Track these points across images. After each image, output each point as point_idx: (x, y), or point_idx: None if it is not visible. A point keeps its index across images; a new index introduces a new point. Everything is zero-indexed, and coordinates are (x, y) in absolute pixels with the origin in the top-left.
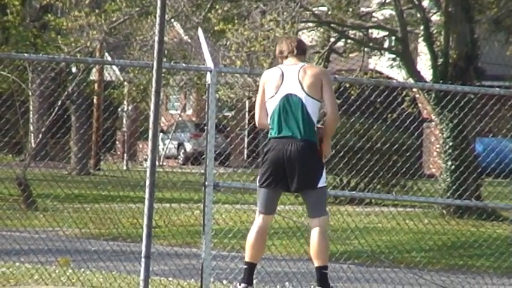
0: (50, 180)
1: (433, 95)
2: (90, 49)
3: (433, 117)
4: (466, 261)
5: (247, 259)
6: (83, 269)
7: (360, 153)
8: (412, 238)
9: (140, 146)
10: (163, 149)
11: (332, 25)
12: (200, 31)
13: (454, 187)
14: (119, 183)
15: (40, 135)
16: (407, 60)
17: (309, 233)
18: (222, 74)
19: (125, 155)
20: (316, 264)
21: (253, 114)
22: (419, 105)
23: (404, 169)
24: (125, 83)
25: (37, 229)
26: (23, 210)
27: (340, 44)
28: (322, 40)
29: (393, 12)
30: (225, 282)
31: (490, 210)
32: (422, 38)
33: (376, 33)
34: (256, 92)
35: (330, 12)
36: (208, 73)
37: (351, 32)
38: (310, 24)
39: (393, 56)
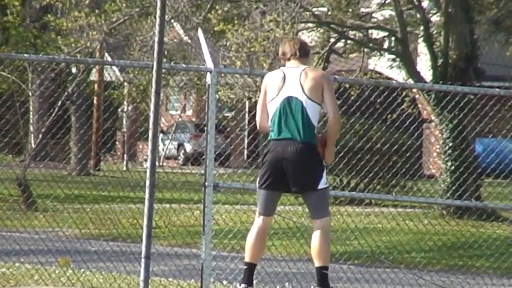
0: (50, 180)
1: (433, 96)
2: (90, 50)
3: (433, 117)
4: (466, 261)
5: (247, 259)
6: (83, 270)
7: (360, 154)
8: (412, 239)
9: (140, 146)
10: (163, 149)
11: (332, 26)
12: (200, 32)
13: (454, 188)
14: (118, 183)
15: (40, 136)
16: (407, 61)
17: (309, 234)
18: (222, 74)
19: (125, 155)
20: (317, 264)
21: (253, 114)
22: (419, 105)
23: (404, 170)
24: (125, 84)
25: (37, 229)
26: (23, 211)
27: (340, 44)
28: (322, 41)
29: (393, 13)
30: (225, 282)
31: (490, 211)
32: (422, 39)
33: (376, 34)
34: (256, 92)
35: (329, 13)
36: (208, 74)
37: (350, 32)
38: (310, 25)
39: (393, 56)
